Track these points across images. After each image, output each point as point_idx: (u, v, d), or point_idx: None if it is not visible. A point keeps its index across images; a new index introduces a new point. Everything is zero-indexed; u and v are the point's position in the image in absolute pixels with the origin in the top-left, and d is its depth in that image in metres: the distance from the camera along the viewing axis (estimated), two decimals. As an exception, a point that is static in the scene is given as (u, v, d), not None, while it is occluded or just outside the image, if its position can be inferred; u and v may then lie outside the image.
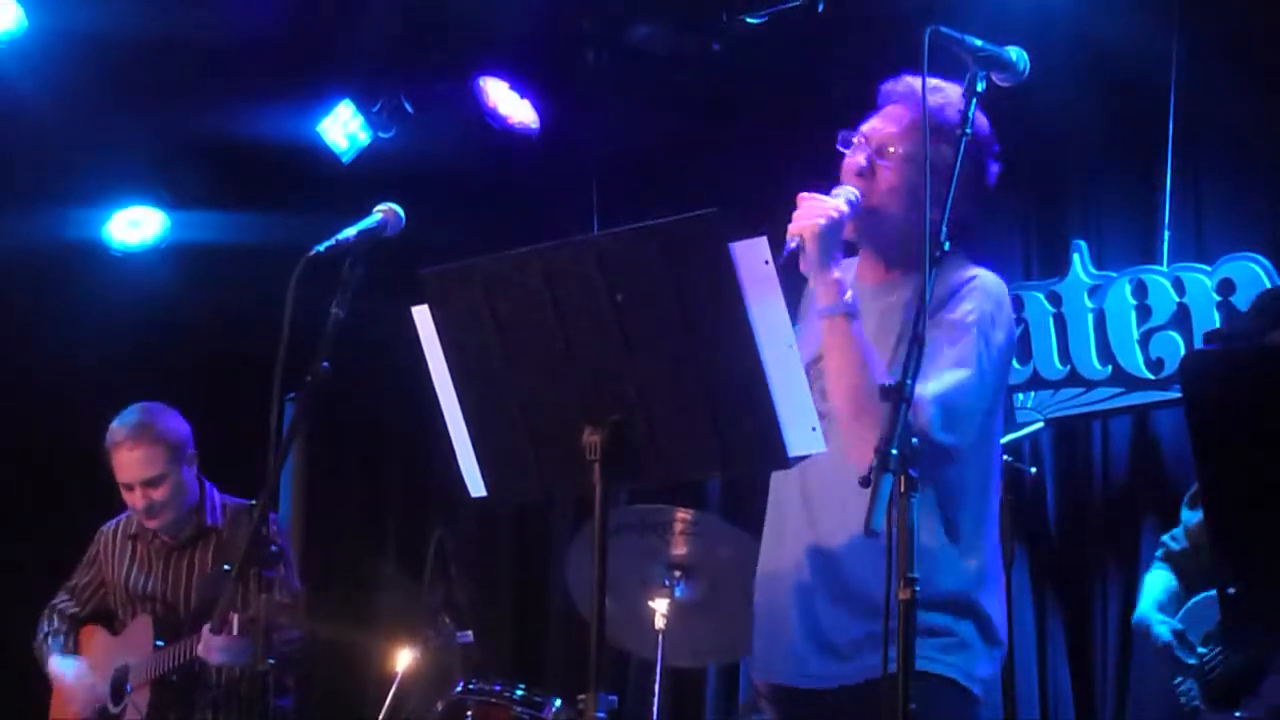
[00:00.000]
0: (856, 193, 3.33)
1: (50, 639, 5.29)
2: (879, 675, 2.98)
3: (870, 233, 3.42)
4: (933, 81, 3.31)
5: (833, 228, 3.23)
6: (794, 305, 3.17)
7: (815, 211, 3.23)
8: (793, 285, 3.07)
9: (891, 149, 3.39)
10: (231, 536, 5.11)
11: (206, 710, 5.02)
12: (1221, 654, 4.69)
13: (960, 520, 3.31)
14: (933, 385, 3.14)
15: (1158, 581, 5.00)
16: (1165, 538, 5.07)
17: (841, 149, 3.45)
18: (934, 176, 3.07)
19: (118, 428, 5.11)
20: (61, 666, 5.23)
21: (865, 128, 3.45)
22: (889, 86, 3.47)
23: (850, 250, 3.47)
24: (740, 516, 6.25)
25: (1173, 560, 5.00)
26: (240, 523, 5.08)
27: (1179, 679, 4.76)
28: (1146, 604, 4.97)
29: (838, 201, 3.28)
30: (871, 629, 3.18)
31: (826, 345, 3.24)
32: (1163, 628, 4.82)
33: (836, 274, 3.22)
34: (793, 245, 3.18)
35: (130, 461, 5.07)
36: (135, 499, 5.10)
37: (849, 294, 3.21)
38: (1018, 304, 6.10)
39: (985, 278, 3.38)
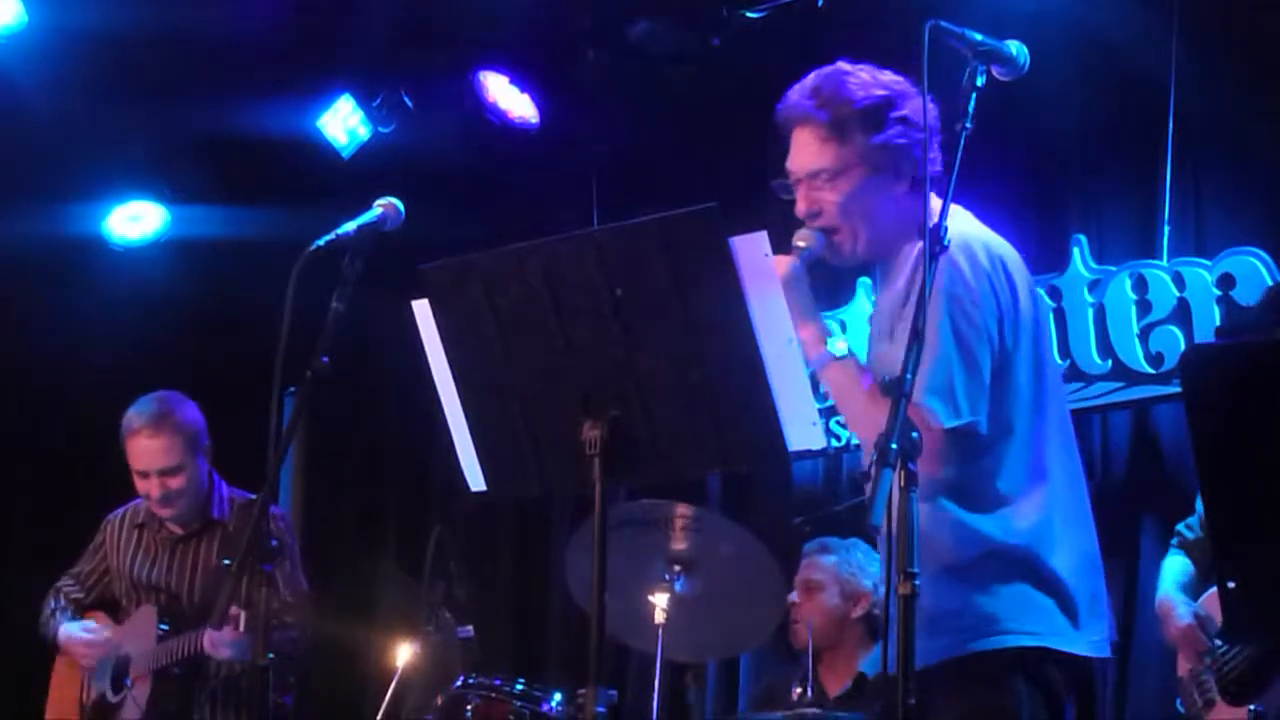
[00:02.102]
0: (810, 234, 3.33)
1: (58, 614, 5.30)
2: (960, 653, 3.10)
3: (843, 255, 3.39)
4: (844, 67, 3.36)
5: (791, 283, 3.16)
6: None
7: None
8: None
9: (819, 172, 3.33)
10: (236, 530, 5.11)
11: (205, 704, 5.02)
12: (1238, 648, 4.68)
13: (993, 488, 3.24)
14: (921, 382, 3.02)
15: (1175, 565, 4.98)
16: (1180, 526, 5.05)
17: (785, 197, 3.44)
18: (875, 172, 3.23)
19: (136, 415, 5.10)
20: (70, 629, 5.23)
21: (790, 166, 3.40)
22: (782, 115, 3.39)
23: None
24: (741, 512, 6.27)
25: (1188, 548, 4.99)
26: (245, 517, 5.08)
27: (1202, 672, 4.75)
28: (1168, 584, 4.95)
29: (791, 256, 3.27)
30: (947, 603, 3.14)
31: (836, 395, 3.28)
32: (1185, 608, 4.82)
33: (812, 326, 3.23)
34: None
35: (148, 450, 5.07)
36: (150, 487, 5.10)
37: (831, 340, 3.23)
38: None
39: (942, 261, 3.20)
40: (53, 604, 5.34)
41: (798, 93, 3.35)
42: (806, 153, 3.34)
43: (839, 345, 3.24)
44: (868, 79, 3.32)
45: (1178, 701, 4.91)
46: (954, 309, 3.15)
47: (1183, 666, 4.88)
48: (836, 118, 3.29)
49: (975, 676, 3.19)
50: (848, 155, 3.29)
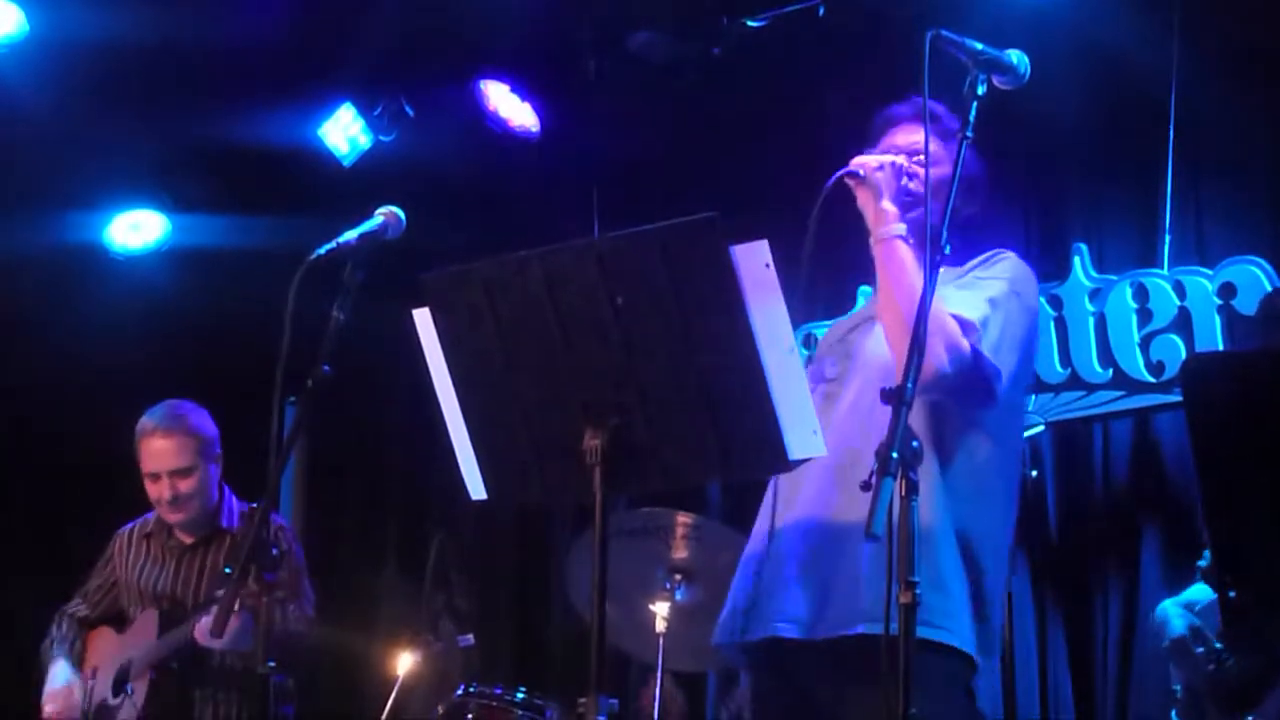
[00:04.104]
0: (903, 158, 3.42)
1: (56, 645, 5.30)
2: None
3: (920, 220, 3.38)
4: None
5: (895, 168, 3.34)
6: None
7: (875, 157, 3.36)
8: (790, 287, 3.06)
9: (921, 154, 3.38)
10: (239, 539, 5.12)
11: (205, 706, 5.02)
12: (1232, 657, 4.69)
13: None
14: (975, 311, 3.21)
15: (1193, 588, 5.03)
16: (1200, 562, 5.09)
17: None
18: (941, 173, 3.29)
19: (149, 418, 5.15)
20: (56, 672, 5.23)
21: (898, 141, 3.50)
22: (904, 112, 3.54)
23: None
24: (741, 521, 6.27)
25: (1205, 577, 5.02)
26: (248, 526, 5.08)
27: (1198, 683, 4.76)
28: (1171, 600, 4.99)
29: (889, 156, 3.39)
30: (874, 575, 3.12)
31: (883, 269, 3.27)
32: (1179, 621, 4.85)
33: (893, 206, 3.31)
34: (858, 172, 3.30)
35: (160, 450, 5.10)
36: (161, 489, 5.11)
37: (902, 225, 3.29)
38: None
39: (1013, 257, 3.46)
40: (54, 632, 5.34)
41: (914, 103, 3.50)
42: (917, 136, 3.41)
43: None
44: None
45: (1173, 713, 4.91)
46: (1021, 300, 3.30)
47: (1177, 677, 4.89)
48: (948, 127, 3.39)
49: None
50: (944, 154, 3.38)
